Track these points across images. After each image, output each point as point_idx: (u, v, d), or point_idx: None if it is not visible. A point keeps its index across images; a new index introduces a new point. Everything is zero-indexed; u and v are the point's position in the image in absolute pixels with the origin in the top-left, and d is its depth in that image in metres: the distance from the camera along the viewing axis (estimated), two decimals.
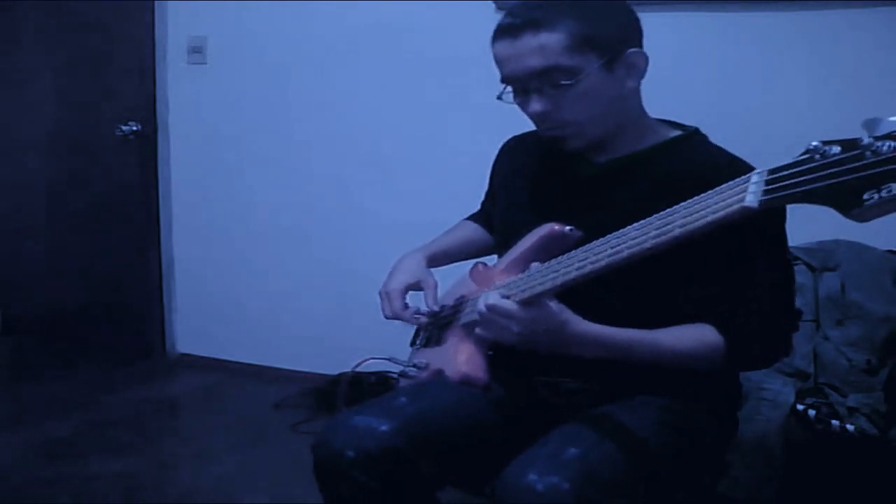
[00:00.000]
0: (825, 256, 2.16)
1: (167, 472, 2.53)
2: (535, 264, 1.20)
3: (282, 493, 2.32)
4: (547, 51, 1.25)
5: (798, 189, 0.87)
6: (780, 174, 0.89)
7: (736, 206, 0.92)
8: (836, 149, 0.85)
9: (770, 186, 0.90)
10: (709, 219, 0.95)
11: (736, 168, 1.28)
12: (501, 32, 1.30)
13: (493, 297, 1.17)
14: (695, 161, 1.32)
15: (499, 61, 1.32)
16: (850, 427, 1.87)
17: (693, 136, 1.38)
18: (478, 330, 1.20)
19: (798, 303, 1.61)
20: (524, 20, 1.27)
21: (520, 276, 1.23)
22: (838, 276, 2.13)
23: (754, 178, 0.92)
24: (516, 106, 1.35)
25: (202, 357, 3.49)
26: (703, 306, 1.26)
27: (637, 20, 1.33)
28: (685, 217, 0.98)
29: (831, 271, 2.15)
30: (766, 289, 1.27)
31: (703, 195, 0.98)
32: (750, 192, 0.91)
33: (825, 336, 2.06)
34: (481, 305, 1.18)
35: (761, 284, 1.27)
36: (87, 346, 3.59)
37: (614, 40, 1.28)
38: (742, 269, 1.25)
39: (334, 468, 1.29)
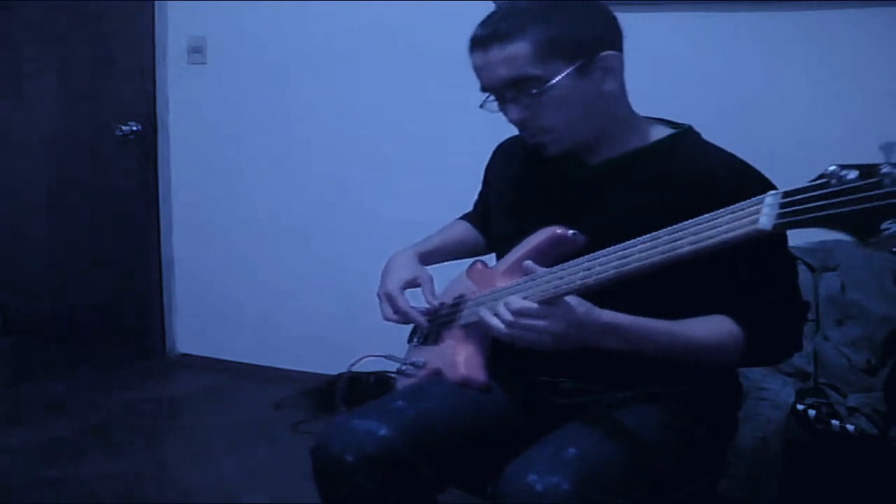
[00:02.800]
0: (825, 256, 2.16)
1: (167, 472, 2.53)
2: (538, 268, 1.18)
3: (282, 493, 2.32)
4: (514, 62, 1.26)
5: (813, 215, 0.85)
6: (795, 198, 0.87)
7: (749, 228, 0.91)
8: (854, 174, 0.82)
9: (784, 210, 0.88)
10: (720, 238, 0.95)
11: (730, 166, 1.28)
12: (474, 44, 1.31)
13: (517, 302, 1.14)
14: (688, 160, 1.31)
15: (475, 72, 1.33)
16: (850, 427, 1.87)
17: (686, 135, 1.38)
18: (515, 342, 1.17)
19: None
20: (492, 31, 1.28)
21: (521, 280, 1.22)
22: (838, 276, 2.13)
23: (768, 199, 0.90)
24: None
25: (202, 357, 3.49)
26: (715, 305, 1.26)
27: (613, 21, 1.32)
28: (696, 234, 0.98)
29: (831, 271, 2.15)
30: (776, 283, 1.28)
31: (714, 213, 0.97)
32: (764, 215, 0.90)
33: (825, 336, 2.06)
34: (506, 316, 1.15)
35: (771, 280, 1.27)
36: (87, 346, 3.58)
37: (584, 45, 1.27)
38: (750, 268, 1.25)
39: (333, 472, 1.28)
